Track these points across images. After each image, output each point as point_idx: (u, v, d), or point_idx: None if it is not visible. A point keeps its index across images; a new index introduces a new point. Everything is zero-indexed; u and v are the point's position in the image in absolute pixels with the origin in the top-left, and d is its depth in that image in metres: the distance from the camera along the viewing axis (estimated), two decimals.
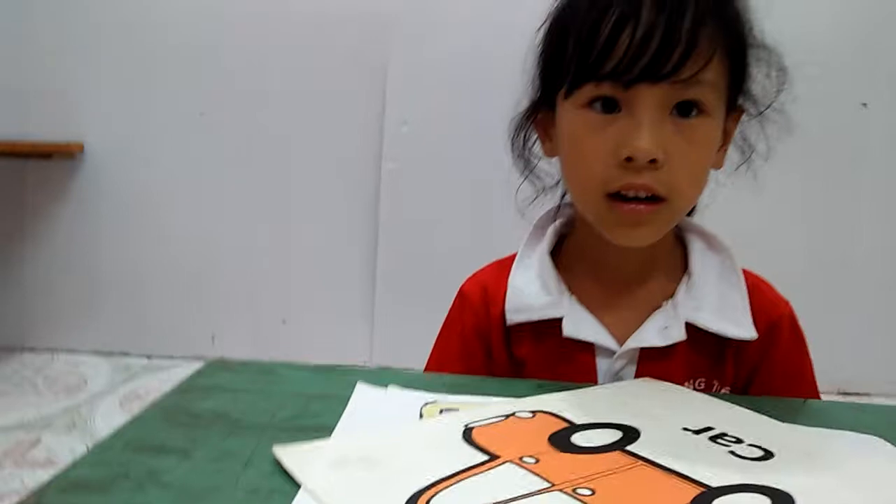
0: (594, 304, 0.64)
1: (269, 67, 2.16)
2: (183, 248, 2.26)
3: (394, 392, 0.55)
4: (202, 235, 2.25)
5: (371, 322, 2.23)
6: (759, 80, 0.62)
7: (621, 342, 0.63)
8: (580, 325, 0.63)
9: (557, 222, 0.69)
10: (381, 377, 0.57)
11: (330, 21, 2.11)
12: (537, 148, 0.68)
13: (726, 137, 0.63)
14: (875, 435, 0.50)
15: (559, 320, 0.63)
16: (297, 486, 0.39)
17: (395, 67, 2.10)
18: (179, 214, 2.25)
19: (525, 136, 0.68)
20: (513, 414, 0.50)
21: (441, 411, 0.52)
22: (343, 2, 2.10)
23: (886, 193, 2.07)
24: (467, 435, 0.47)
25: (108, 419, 1.80)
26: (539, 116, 0.66)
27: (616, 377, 0.63)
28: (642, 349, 0.62)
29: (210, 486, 0.39)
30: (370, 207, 2.18)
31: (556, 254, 0.68)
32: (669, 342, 0.62)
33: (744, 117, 0.64)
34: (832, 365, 1.95)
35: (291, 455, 0.42)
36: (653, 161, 0.55)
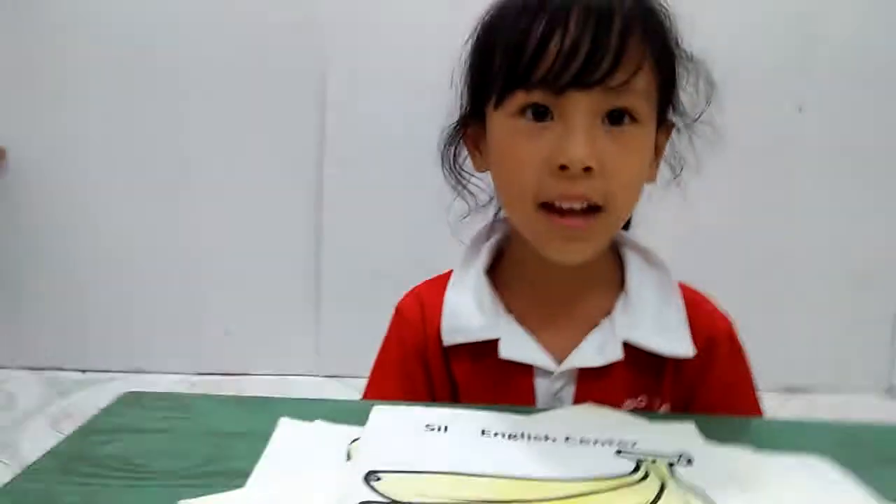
0: (532, 323, 0.62)
1: (202, 73, 2.08)
2: (114, 255, 2.16)
3: (320, 427, 0.51)
4: (133, 243, 2.15)
5: (316, 329, 2.18)
6: (689, 92, 0.60)
7: (560, 361, 0.60)
8: (517, 346, 0.60)
9: (493, 239, 0.66)
10: (309, 409, 0.53)
11: (267, 27, 2.05)
12: (469, 164, 0.65)
13: (658, 152, 0.62)
14: (819, 456, 0.49)
15: (497, 341, 0.60)
16: None
17: (334, 73, 2.05)
18: (109, 221, 2.15)
19: (455, 150, 0.65)
20: None
21: None
22: (280, 8, 2.04)
23: (823, 191, 2.10)
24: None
25: (37, 441, 1.71)
26: (469, 130, 0.63)
27: (555, 398, 0.61)
28: (581, 369, 0.60)
29: None
30: (312, 210, 2.12)
31: (494, 270, 0.65)
32: (606, 362, 0.59)
33: (674, 133, 0.62)
34: (777, 364, 2.00)
35: None
36: (587, 169, 0.53)
